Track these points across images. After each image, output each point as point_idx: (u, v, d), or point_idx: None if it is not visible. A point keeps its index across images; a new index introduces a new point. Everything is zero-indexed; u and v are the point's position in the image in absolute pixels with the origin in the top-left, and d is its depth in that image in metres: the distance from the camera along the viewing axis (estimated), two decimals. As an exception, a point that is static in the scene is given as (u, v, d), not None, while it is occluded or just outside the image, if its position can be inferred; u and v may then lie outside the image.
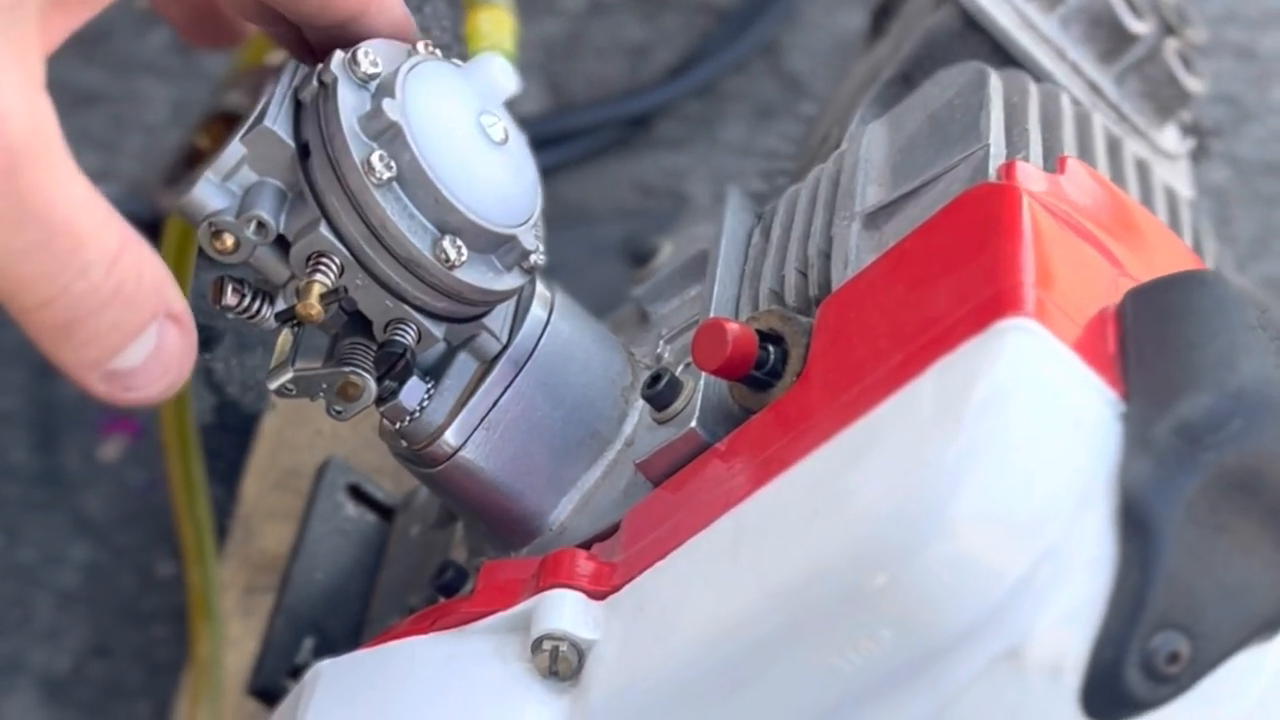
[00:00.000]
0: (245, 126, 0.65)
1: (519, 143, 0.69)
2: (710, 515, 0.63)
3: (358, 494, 0.88)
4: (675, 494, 0.67)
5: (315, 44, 0.68)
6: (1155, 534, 0.56)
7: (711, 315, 0.71)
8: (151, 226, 0.66)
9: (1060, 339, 0.57)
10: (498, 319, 0.71)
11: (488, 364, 0.71)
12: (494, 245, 0.67)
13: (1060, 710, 0.57)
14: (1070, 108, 0.73)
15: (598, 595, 0.65)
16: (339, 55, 0.66)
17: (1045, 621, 0.56)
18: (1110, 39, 0.79)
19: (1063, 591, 0.56)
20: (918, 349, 0.59)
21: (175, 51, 1.19)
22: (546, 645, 0.64)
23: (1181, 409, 0.56)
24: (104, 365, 0.60)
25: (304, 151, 0.65)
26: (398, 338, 0.67)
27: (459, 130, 0.66)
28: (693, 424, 0.67)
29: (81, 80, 1.19)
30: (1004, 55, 0.77)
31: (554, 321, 0.72)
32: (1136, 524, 0.56)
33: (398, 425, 0.71)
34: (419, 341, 0.68)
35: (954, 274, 0.60)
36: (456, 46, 0.71)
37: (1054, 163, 0.68)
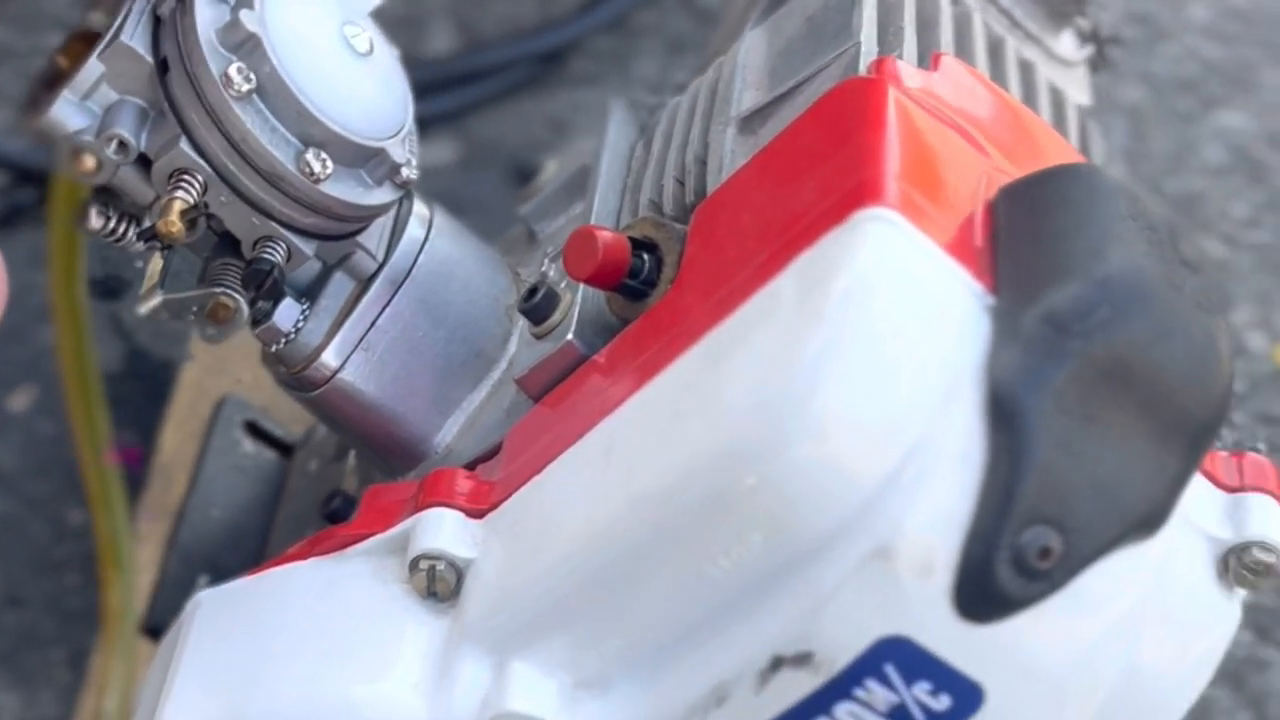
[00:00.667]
0: (103, 43, 0.64)
1: (386, 54, 0.68)
2: (586, 427, 0.62)
3: (256, 431, 0.86)
4: (555, 409, 0.66)
5: None
6: (1024, 425, 0.54)
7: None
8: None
9: (923, 230, 0.56)
10: (374, 237, 0.70)
11: (364, 283, 0.70)
12: (361, 158, 0.66)
13: (933, 609, 0.56)
14: (949, 7, 0.72)
15: (476, 514, 0.64)
16: (196, -33, 0.64)
17: (914, 519, 0.55)
18: (1002, -57, 0.78)
19: (931, 488, 0.55)
20: (782, 245, 0.58)
21: (82, 6, 1.18)
22: (423, 565, 0.63)
23: (1049, 298, 0.55)
24: None
25: (163, 67, 0.64)
26: (265, 255, 0.66)
27: (321, 41, 0.65)
28: (569, 336, 0.66)
29: (-11, 38, 1.18)
30: (895, -39, 0.75)
31: (432, 239, 0.71)
32: (1005, 416, 0.55)
33: (273, 348, 0.69)
34: (289, 259, 0.67)
35: (819, 169, 0.59)
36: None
37: (929, 61, 0.66)
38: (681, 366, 0.59)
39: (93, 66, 0.64)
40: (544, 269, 0.73)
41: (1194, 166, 1.21)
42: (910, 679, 0.58)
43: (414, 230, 0.70)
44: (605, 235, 0.64)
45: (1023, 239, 0.57)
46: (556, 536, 0.60)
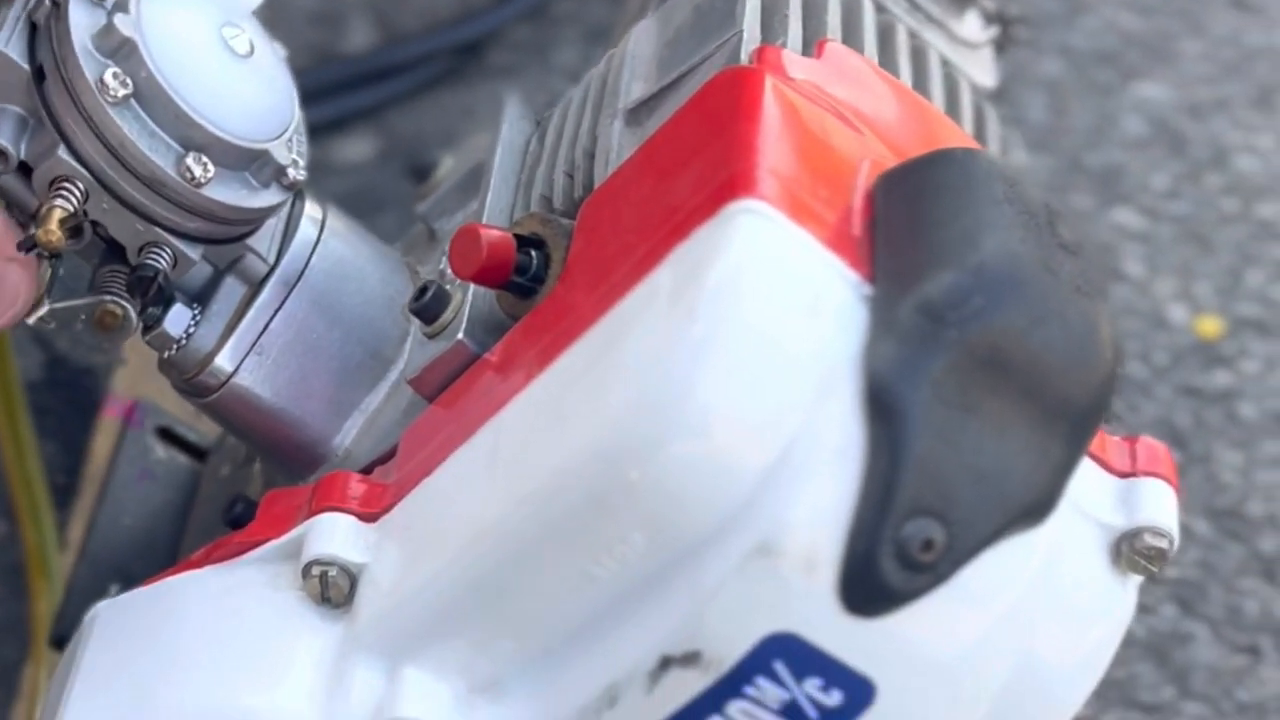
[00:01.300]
0: None
1: (269, 55, 0.67)
2: (475, 426, 0.62)
3: (168, 436, 0.86)
4: (448, 409, 0.65)
5: None
6: (902, 417, 0.54)
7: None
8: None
9: (796, 221, 0.55)
10: (264, 239, 0.69)
11: (256, 286, 0.69)
12: (244, 161, 0.65)
13: (818, 604, 0.56)
14: (838, -5, 0.71)
15: (369, 517, 0.63)
16: (70, -29, 0.64)
17: (795, 514, 0.55)
18: (897, -75, 0.77)
19: (812, 482, 0.55)
20: (660, 239, 0.58)
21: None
22: (316, 571, 0.62)
23: (923, 287, 0.54)
24: None
25: (39, 74, 0.64)
26: (150, 261, 0.65)
27: (199, 43, 0.65)
28: (460, 335, 0.65)
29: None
30: (788, -54, 0.75)
31: (325, 240, 0.70)
32: (883, 408, 0.54)
33: (165, 354, 0.69)
34: (175, 265, 0.66)
35: (696, 161, 0.59)
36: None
37: (814, 48, 0.66)
38: (564, 364, 0.59)
39: (-33, 75, 0.63)
40: (442, 267, 0.72)
41: (1114, 139, 1.20)
42: (800, 675, 0.57)
43: (306, 231, 0.70)
44: (490, 233, 0.63)
45: (899, 227, 0.56)
46: (445, 539, 0.60)
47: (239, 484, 0.79)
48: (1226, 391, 1.09)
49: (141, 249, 0.65)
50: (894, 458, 0.54)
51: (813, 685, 0.57)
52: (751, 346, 0.54)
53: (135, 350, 0.98)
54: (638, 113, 0.67)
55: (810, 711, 0.58)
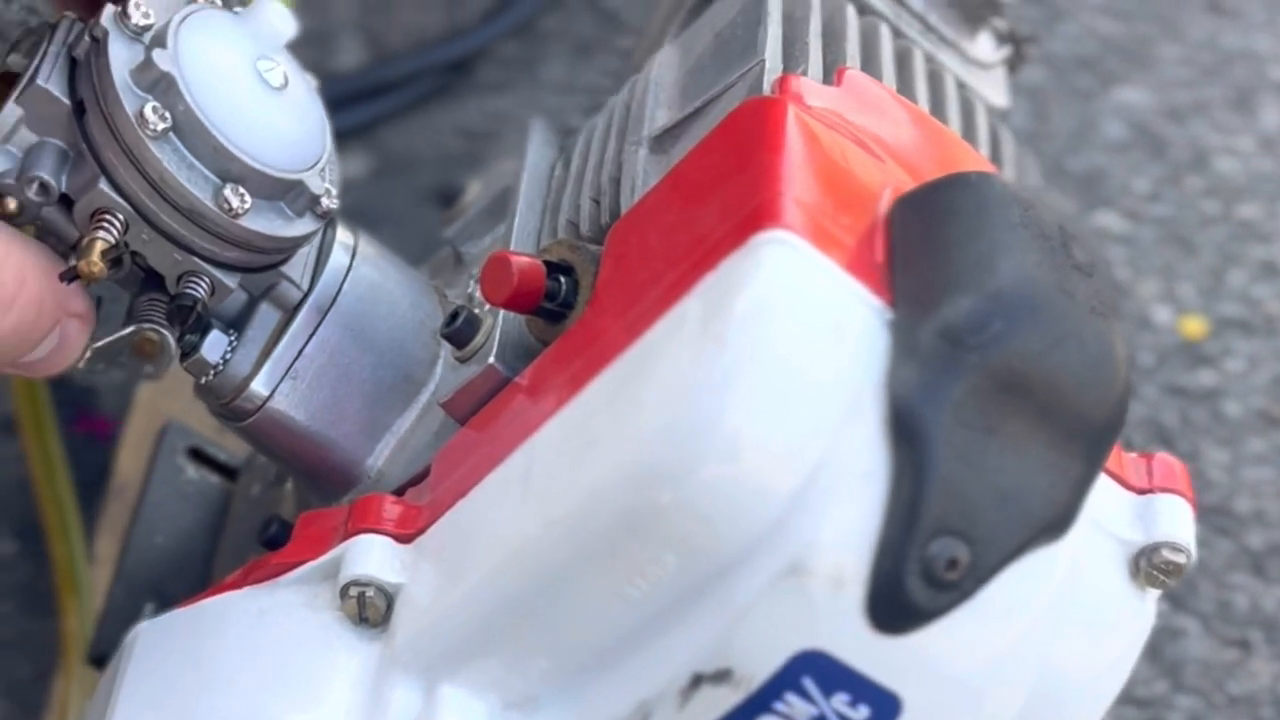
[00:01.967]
0: (20, 87, 0.65)
1: (302, 87, 0.68)
2: (509, 449, 0.63)
3: (200, 456, 0.87)
4: (480, 431, 0.67)
5: None
6: (925, 440, 0.55)
7: (508, 250, 0.71)
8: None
9: (821, 249, 0.57)
10: (298, 267, 0.70)
11: (290, 312, 0.70)
12: (280, 191, 0.67)
13: (846, 623, 0.57)
14: (856, 20, 0.72)
15: (405, 538, 0.65)
16: (109, 8, 0.65)
17: (823, 535, 0.56)
18: (912, -52, 0.78)
19: (839, 504, 0.56)
20: (687, 268, 0.59)
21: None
22: (353, 591, 0.63)
23: (943, 312, 0.56)
24: (9, 365, 0.66)
25: (80, 108, 0.65)
26: (189, 290, 0.67)
27: (235, 77, 0.66)
28: (491, 360, 0.67)
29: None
30: (805, -29, 0.76)
31: (357, 266, 0.71)
32: (906, 431, 0.56)
33: (203, 380, 0.70)
34: (213, 293, 0.67)
35: (721, 190, 0.60)
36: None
37: (834, 76, 0.67)
38: (595, 389, 0.60)
39: (10, 110, 0.64)
40: (470, 290, 0.74)
41: (1095, 143, 1.22)
42: (828, 691, 0.58)
43: (338, 257, 0.71)
44: (520, 260, 0.65)
45: (916, 252, 0.58)
46: (480, 560, 0.61)
47: (271, 503, 0.80)
48: (1212, 390, 1.10)
49: (180, 278, 0.67)
50: (918, 479, 0.55)
51: (841, 701, 0.59)
52: (779, 373, 0.55)
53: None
54: (662, 140, 0.69)
55: (838, 726, 0.59)
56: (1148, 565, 0.62)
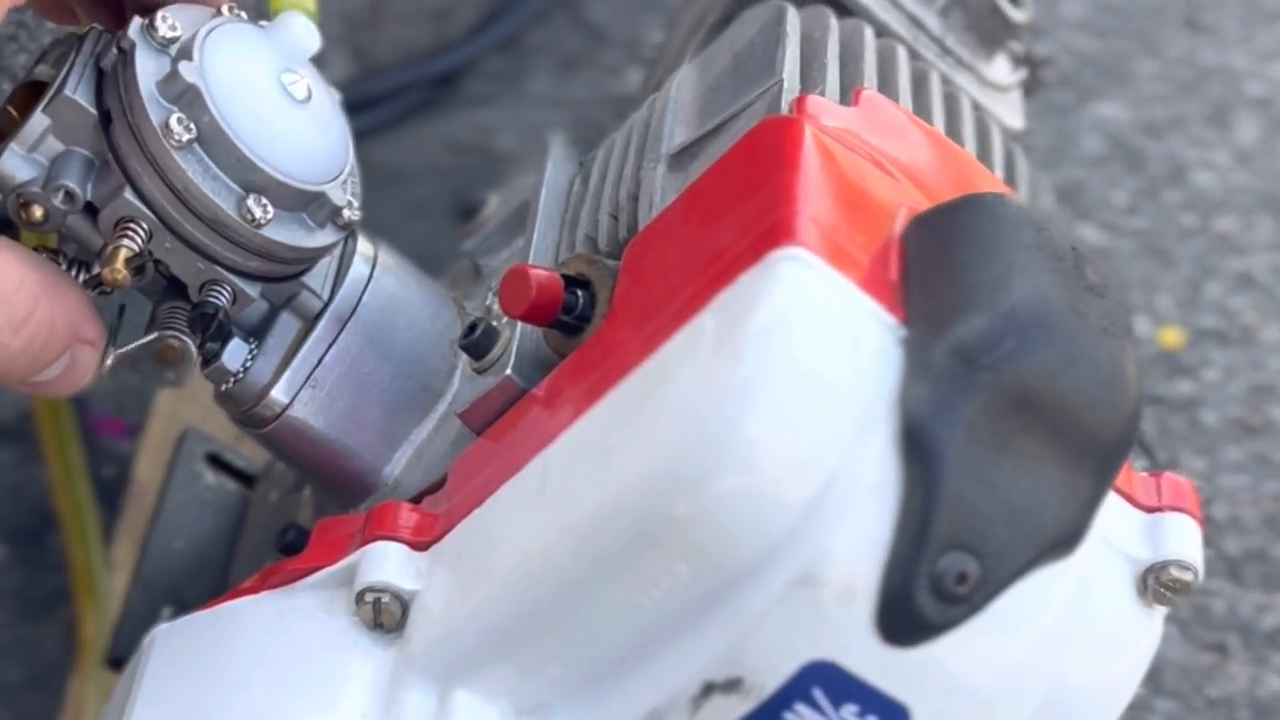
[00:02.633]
0: (48, 97, 0.66)
1: (325, 100, 0.69)
2: (525, 459, 0.64)
3: (218, 462, 0.88)
4: (496, 442, 0.67)
5: (127, 6, 0.68)
6: (936, 456, 0.56)
7: (526, 263, 0.71)
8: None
9: (836, 267, 0.58)
10: (319, 276, 0.71)
11: (311, 321, 0.71)
12: (302, 202, 0.67)
13: (857, 634, 0.58)
14: (873, 41, 0.73)
15: (421, 546, 0.66)
16: (137, 21, 0.66)
17: (835, 547, 0.57)
18: (931, -28, 0.79)
19: (850, 517, 0.57)
20: (705, 283, 0.60)
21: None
22: (369, 597, 0.64)
23: (956, 330, 0.57)
24: (20, 384, 0.67)
25: (106, 119, 0.66)
26: (211, 299, 0.67)
27: (259, 89, 0.67)
28: (508, 371, 0.68)
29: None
30: (824, -7, 0.77)
31: (377, 277, 0.72)
32: (918, 447, 0.56)
33: (223, 387, 0.71)
34: (234, 302, 0.68)
35: (739, 208, 0.61)
36: (257, 6, 0.71)
37: (851, 96, 0.68)
38: (612, 401, 0.61)
39: (38, 120, 0.65)
40: (488, 303, 0.75)
41: (1074, 157, 1.24)
42: (838, 702, 0.59)
43: (359, 268, 0.72)
44: (539, 274, 0.66)
45: (931, 271, 0.58)
46: (495, 568, 0.62)
47: (288, 510, 0.81)
48: (1189, 400, 1.12)
49: (202, 286, 0.68)
50: (929, 494, 0.56)
51: (850, 711, 0.59)
52: (794, 387, 0.56)
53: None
54: (680, 158, 0.69)
55: (847, 736, 0.60)
56: (1155, 583, 0.63)
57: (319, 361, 0.71)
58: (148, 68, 0.65)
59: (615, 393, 0.61)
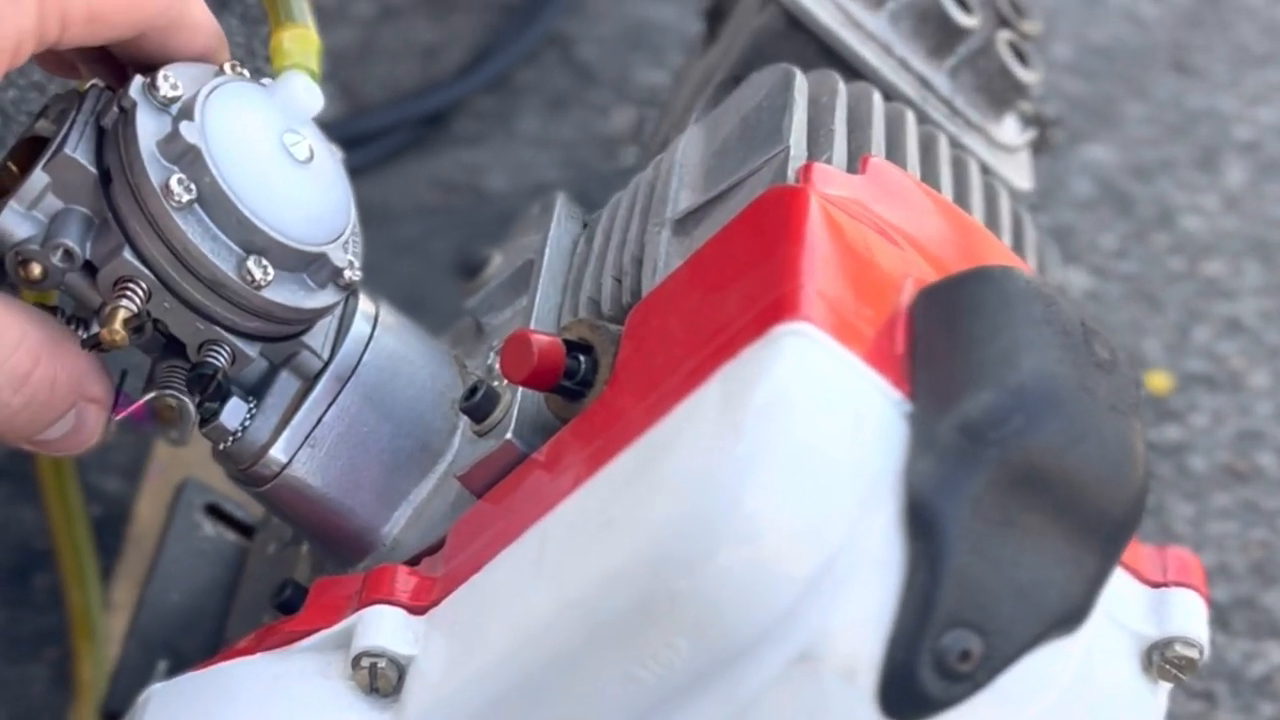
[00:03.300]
0: (48, 154, 0.65)
1: (327, 160, 0.69)
2: (524, 525, 0.63)
3: (217, 513, 0.88)
4: (496, 505, 0.67)
5: (127, 65, 0.68)
6: (941, 533, 0.56)
7: (532, 326, 0.71)
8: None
9: (840, 341, 0.57)
10: (319, 336, 0.71)
11: (310, 381, 0.71)
12: (303, 264, 0.67)
13: (858, 711, 0.57)
14: (881, 106, 0.73)
15: (418, 610, 0.65)
16: (138, 80, 0.65)
17: (837, 623, 0.56)
18: (939, 34, 0.79)
19: (853, 593, 0.56)
20: (708, 355, 0.59)
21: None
22: (365, 662, 0.64)
23: (963, 407, 0.56)
24: (24, 441, 0.67)
25: (106, 177, 0.65)
26: (209, 359, 0.67)
27: (260, 150, 0.66)
28: (509, 435, 0.67)
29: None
30: (831, 54, 0.77)
31: (378, 336, 0.72)
32: (923, 523, 0.56)
33: (221, 446, 0.70)
34: (234, 362, 0.68)
35: (743, 279, 0.61)
36: (250, 61, 0.70)
37: (858, 163, 0.68)
38: (613, 471, 0.60)
39: (38, 177, 0.65)
40: (490, 362, 0.74)
41: (1063, 200, 1.24)
42: (839, 778, 0.59)
43: (359, 327, 0.72)
44: (540, 339, 0.65)
45: (938, 345, 0.58)
46: (492, 637, 0.61)
47: (286, 563, 0.81)
48: (1177, 445, 1.12)
49: (201, 346, 0.67)
50: (933, 571, 0.56)
51: (851, 788, 0.59)
52: (796, 462, 0.56)
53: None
54: (685, 223, 0.69)
55: (848, 813, 0.59)
56: (1160, 659, 0.62)
57: (318, 421, 0.71)
58: (148, 127, 0.65)
59: (616, 462, 0.60)
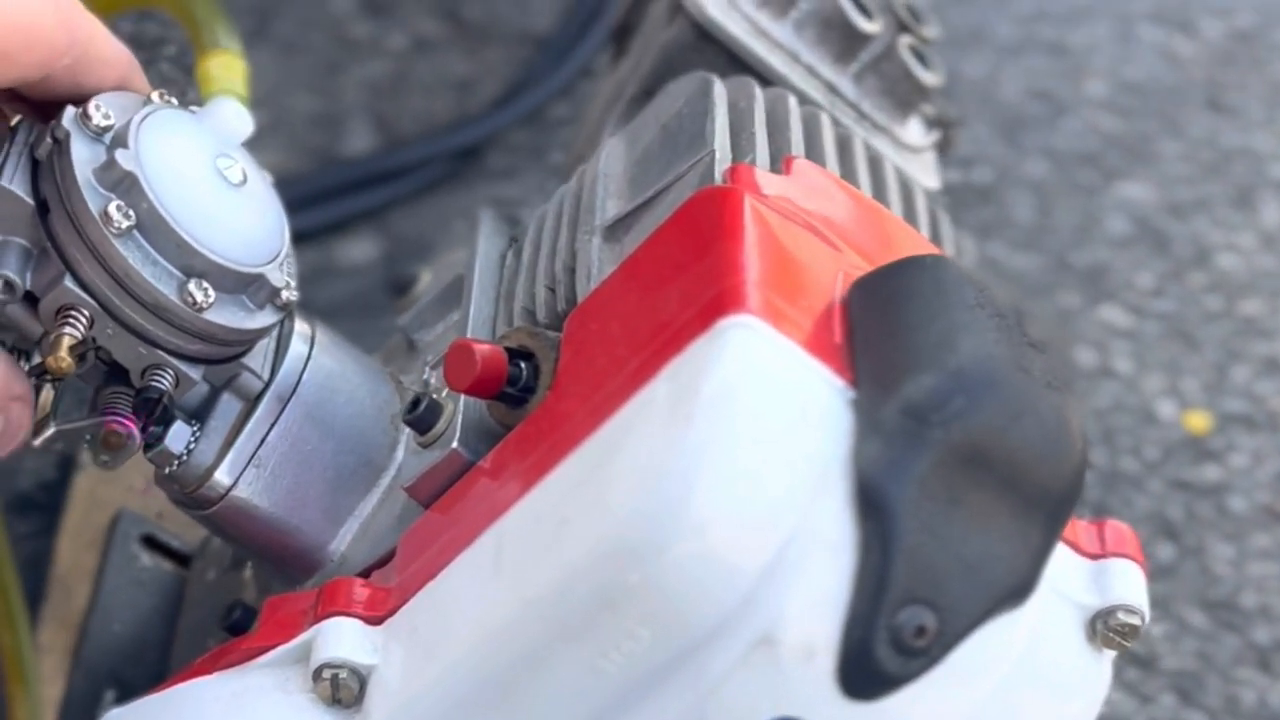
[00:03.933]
0: None
1: (260, 183, 0.70)
2: (476, 531, 0.64)
3: (153, 544, 0.88)
4: (445, 514, 0.68)
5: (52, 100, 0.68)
6: (890, 513, 0.57)
7: (468, 337, 0.72)
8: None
9: (783, 332, 0.59)
10: (258, 357, 0.72)
11: (252, 402, 0.72)
12: (242, 285, 0.68)
13: (819, 691, 0.59)
14: (798, 109, 0.75)
15: (375, 620, 0.66)
16: (70, 110, 0.66)
17: (794, 607, 0.58)
18: (843, 40, 0.81)
19: (808, 576, 0.58)
20: (652, 353, 0.60)
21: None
22: (326, 674, 0.65)
23: (906, 390, 0.58)
24: None
25: (44, 208, 0.66)
26: (154, 383, 0.68)
27: (195, 175, 0.67)
28: (454, 445, 0.68)
29: None
30: (740, 63, 0.78)
31: (316, 356, 0.73)
32: (872, 505, 0.57)
33: (167, 470, 0.71)
34: (177, 385, 0.68)
35: (682, 278, 0.62)
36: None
37: (781, 164, 0.69)
38: (564, 472, 0.62)
39: (-27, 213, 0.65)
40: (425, 377, 0.75)
41: (1099, 238, 1.24)
42: (802, 757, 0.60)
43: (297, 347, 0.73)
44: (482, 348, 0.66)
45: (876, 333, 0.60)
46: (454, 640, 0.62)
47: (228, 588, 0.81)
48: (1217, 485, 1.12)
49: (144, 371, 0.68)
50: (885, 551, 0.57)
51: (814, 766, 0.60)
52: (747, 452, 0.57)
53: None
54: (615, 229, 0.70)
55: (812, 792, 0.60)
56: (1104, 628, 0.64)
57: (262, 441, 0.71)
58: (83, 156, 0.66)
59: (567, 463, 0.61)
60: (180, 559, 0.88)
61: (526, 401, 0.67)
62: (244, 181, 0.68)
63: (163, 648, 0.84)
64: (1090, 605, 0.64)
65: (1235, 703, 1.02)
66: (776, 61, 0.79)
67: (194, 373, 0.69)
